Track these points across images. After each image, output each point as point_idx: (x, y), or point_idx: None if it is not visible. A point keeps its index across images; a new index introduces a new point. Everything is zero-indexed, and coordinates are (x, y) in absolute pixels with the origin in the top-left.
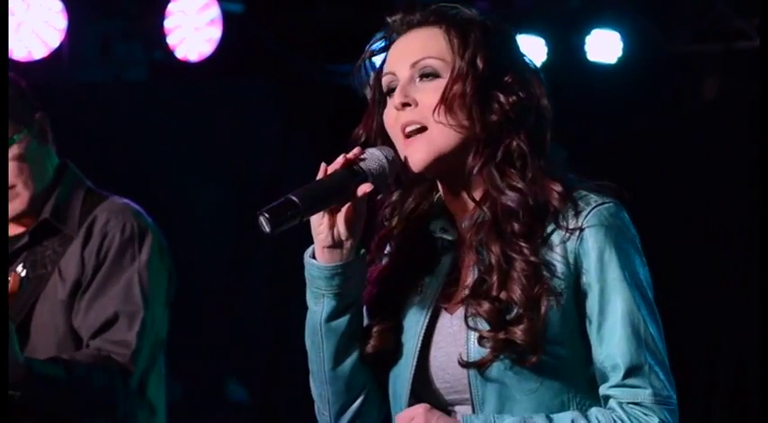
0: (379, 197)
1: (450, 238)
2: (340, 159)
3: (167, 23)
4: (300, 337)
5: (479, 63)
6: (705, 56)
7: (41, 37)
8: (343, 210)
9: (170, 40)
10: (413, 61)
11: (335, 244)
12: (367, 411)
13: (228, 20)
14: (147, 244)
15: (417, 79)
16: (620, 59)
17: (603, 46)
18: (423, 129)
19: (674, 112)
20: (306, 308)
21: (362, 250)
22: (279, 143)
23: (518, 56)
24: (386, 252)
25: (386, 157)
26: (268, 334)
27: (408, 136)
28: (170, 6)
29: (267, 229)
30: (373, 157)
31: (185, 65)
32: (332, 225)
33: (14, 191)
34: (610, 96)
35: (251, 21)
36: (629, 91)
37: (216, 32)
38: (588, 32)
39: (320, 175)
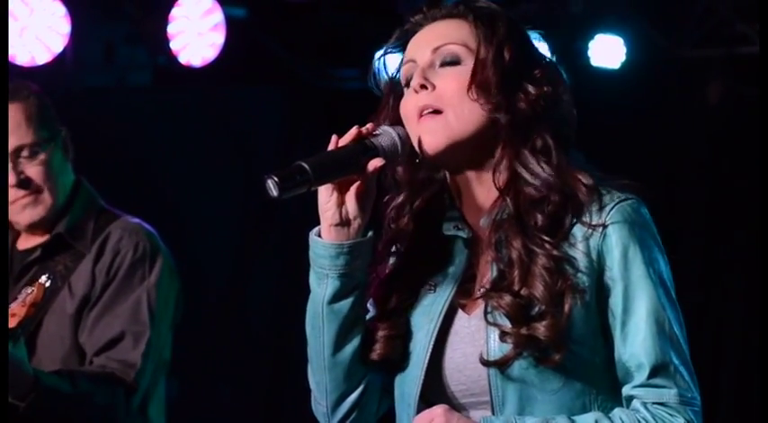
0: (385, 199)
1: (464, 235)
2: (353, 131)
3: (170, 28)
4: (303, 338)
5: (506, 53)
6: (709, 60)
7: (45, 42)
8: (353, 187)
9: (173, 46)
10: (435, 46)
11: (343, 222)
12: (366, 403)
13: (232, 25)
14: (158, 265)
15: (438, 65)
16: (623, 64)
17: (607, 51)
18: (438, 112)
19: (677, 117)
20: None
21: (370, 232)
22: (282, 148)
23: (543, 55)
24: (394, 252)
25: (399, 136)
26: (271, 335)
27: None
28: (173, 11)
29: (275, 193)
30: (386, 133)
31: (188, 70)
32: (340, 203)
33: (41, 196)
34: (613, 101)
35: (254, 26)
36: (633, 96)
37: (219, 37)
38: (591, 38)
39: (331, 147)
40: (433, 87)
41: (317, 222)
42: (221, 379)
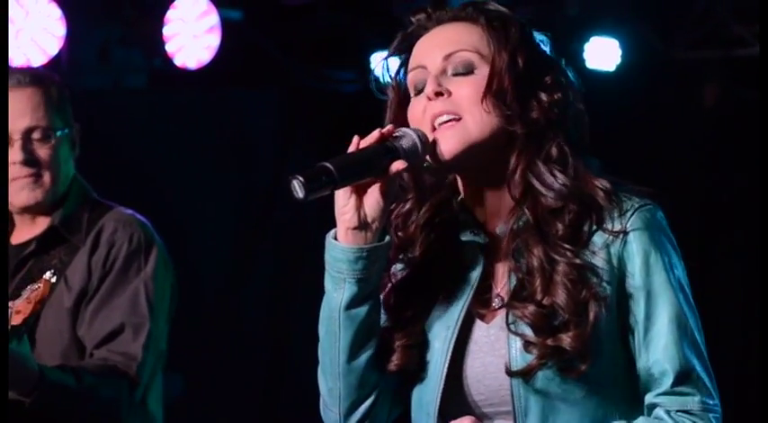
0: (391, 206)
1: (481, 241)
2: (375, 134)
3: (166, 31)
4: (301, 336)
5: (519, 60)
6: (705, 62)
7: (40, 44)
8: (371, 189)
9: (169, 48)
10: (446, 53)
11: (361, 226)
12: (377, 412)
13: (227, 27)
14: (153, 256)
15: (450, 73)
16: (618, 67)
17: (602, 53)
18: (456, 120)
19: (673, 119)
20: (307, 304)
21: (387, 237)
22: (278, 150)
23: (553, 59)
24: (402, 259)
25: (419, 137)
26: (268, 335)
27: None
28: (169, 13)
29: (300, 194)
30: (407, 135)
31: (184, 72)
32: (358, 206)
33: (42, 179)
34: (609, 104)
35: (250, 28)
36: (629, 98)
37: (215, 40)
38: (587, 40)
39: (352, 148)
40: (449, 94)
41: (313, 222)
42: (217, 379)
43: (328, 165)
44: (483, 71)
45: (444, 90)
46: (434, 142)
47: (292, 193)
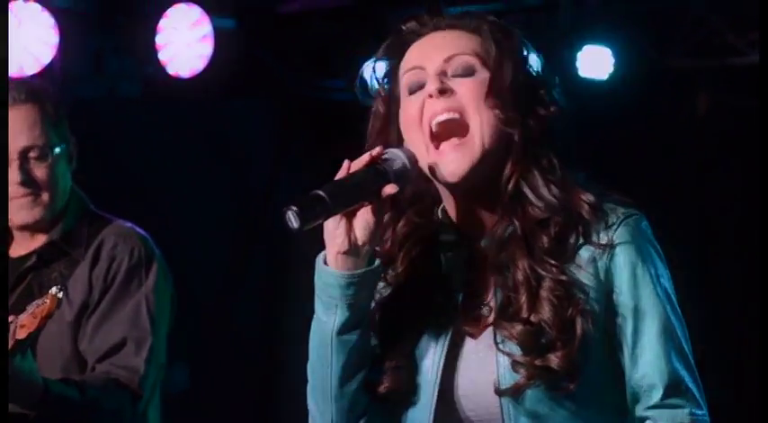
0: None
1: (465, 253)
2: (365, 158)
3: (159, 39)
4: (294, 340)
5: (519, 71)
6: (698, 71)
7: (33, 53)
8: (361, 213)
9: (161, 56)
10: (447, 55)
11: (351, 250)
12: None
13: (220, 36)
14: (154, 270)
15: (450, 74)
16: (611, 75)
17: (595, 62)
18: (458, 122)
19: (666, 128)
20: (299, 316)
21: (377, 260)
22: (271, 158)
23: (547, 72)
24: (385, 277)
25: (408, 158)
26: (263, 340)
27: (441, 137)
28: (162, 22)
29: (295, 224)
30: (396, 157)
31: (177, 81)
32: (348, 230)
33: (40, 198)
34: (601, 112)
35: (243, 37)
36: (621, 107)
37: (207, 48)
38: (579, 49)
39: (342, 173)
40: (452, 92)
41: (304, 232)
42: (215, 379)
43: (321, 193)
44: (483, 75)
45: (449, 88)
46: (435, 165)
47: (287, 223)
